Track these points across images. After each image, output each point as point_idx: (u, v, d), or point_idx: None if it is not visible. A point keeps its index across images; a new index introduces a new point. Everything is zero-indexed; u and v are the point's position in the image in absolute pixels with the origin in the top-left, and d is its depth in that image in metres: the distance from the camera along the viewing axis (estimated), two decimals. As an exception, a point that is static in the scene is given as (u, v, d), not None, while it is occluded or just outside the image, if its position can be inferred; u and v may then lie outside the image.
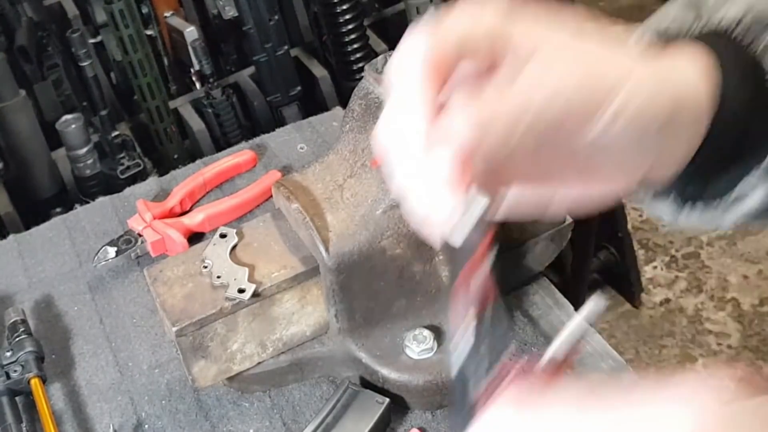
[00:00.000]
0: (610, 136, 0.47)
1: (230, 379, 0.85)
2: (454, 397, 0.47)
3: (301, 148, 1.15)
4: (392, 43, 1.90)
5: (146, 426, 0.85)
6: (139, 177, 1.60)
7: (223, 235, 0.84)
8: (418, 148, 0.45)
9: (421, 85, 0.45)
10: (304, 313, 0.83)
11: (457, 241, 0.46)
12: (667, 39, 0.57)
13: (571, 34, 0.48)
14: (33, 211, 1.64)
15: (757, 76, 0.53)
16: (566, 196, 0.52)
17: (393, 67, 0.46)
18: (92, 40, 1.83)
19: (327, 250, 0.77)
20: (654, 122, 0.48)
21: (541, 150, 0.46)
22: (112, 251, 1.00)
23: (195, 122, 1.80)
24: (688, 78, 0.50)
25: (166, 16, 1.88)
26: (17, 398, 0.86)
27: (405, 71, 0.46)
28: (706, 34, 0.55)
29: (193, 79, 1.85)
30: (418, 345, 0.82)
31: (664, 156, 0.50)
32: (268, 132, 1.20)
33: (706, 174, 0.53)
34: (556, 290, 0.91)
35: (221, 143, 1.80)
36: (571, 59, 0.46)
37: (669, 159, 0.51)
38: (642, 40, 0.59)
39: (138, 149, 1.75)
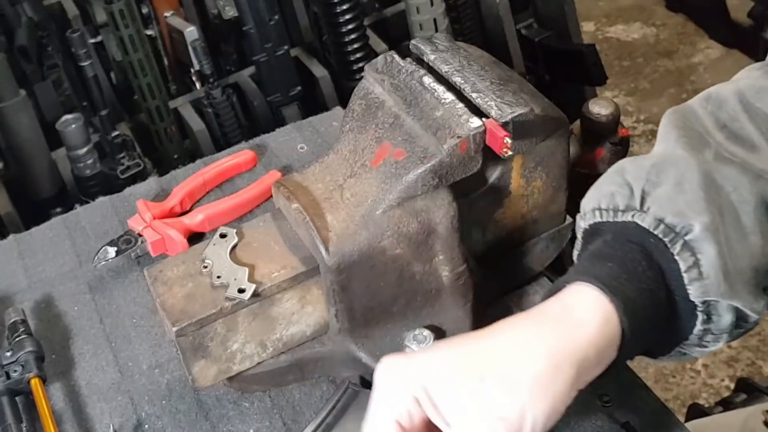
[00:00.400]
0: None
1: (230, 379, 0.85)
2: None
3: (301, 148, 1.15)
4: (392, 43, 1.90)
5: (146, 426, 0.85)
6: (139, 177, 1.60)
7: (223, 235, 0.84)
8: None
9: None
10: (304, 313, 0.83)
11: None
12: (600, 221, 0.69)
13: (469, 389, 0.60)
14: (33, 211, 1.65)
15: (670, 282, 0.65)
16: None
17: None
18: (92, 40, 1.83)
19: (327, 250, 0.77)
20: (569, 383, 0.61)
21: None
22: (112, 251, 1.00)
23: (195, 122, 1.81)
24: (587, 329, 0.62)
25: (166, 16, 1.88)
26: (17, 398, 0.86)
27: None
28: (631, 224, 0.66)
29: (193, 79, 1.85)
30: (418, 345, 0.82)
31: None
32: (268, 132, 1.20)
33: (649, 347, 0.69)
34: (556, 290, 0.91)
35: (221, 143, 1.81)
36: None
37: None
38: (583, 221, 0.71)
39: (138, 149, 1.75)
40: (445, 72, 0.81)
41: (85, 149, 1.67)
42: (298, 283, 0.81)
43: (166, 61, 1.92)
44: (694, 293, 0.65)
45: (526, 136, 0.78)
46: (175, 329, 0.78)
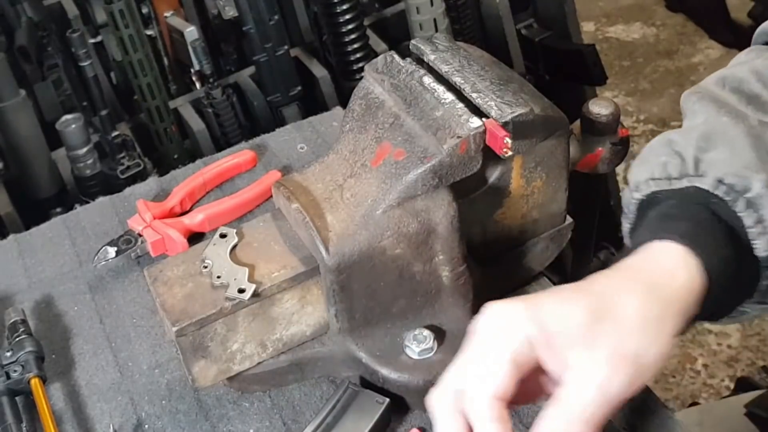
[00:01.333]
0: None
1: (230, 379, 0.85)
2: None
3: (301, 148, 1.15)
4: (392, 43, 1.90)
5: (146, 426, 0.85)
6: (139, 177, 1.60)
7: (223, 235, 0.84)
8: None
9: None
10: (304, 313, 0.83)
11: None
12: (657, 190, 0.70)
13: (580, 324, 0.60)
14: (33, 211, 1.64)
15: (737, 238, 0.66)
16: None
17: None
18: (92, 40, 1.83)
19: (327, 250, 0.77)
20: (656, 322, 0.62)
21: None
22: (112, 251, 1.00)
23: (195, 122, 1.80)
24: (662, 279, 0.64)
25: (166, 16, 1.88)
26: (17, 398, 0.86)
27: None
28: (694, 191, 0.68)
29: (193, 79, 1.85)
30: (418, 345, 0.82)
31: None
32: (268, 132, 1.20)
33: (710, 313, 0.69)
34: (556, 290, 0.91)
35: (221, 143, 1.80)
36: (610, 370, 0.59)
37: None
38: (638, 192, 0.72)
39: (138, 149, 1.75)
40: (445, 72, 0.81)
41: (85, 149, 1.66)
42: (298, 283, 0.81)
43: (166, 61, 1.92)
44: (761, 247, 0.66)
45: (526, 136, 0.78)
46: (175, 329, 0.78)
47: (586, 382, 0.58)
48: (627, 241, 0.75)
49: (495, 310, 0.61)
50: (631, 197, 0.73)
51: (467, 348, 0.61)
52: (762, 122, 0.71)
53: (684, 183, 0.69)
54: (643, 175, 0.72)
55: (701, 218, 0.67)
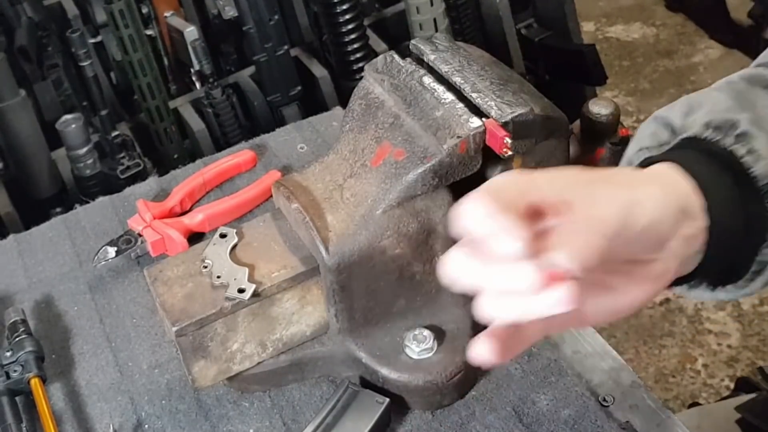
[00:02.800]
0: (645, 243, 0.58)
1: (230, 379, 0.85)
2: None
3: (301, 148, 1.15)
4: (392, 43, 1.90)
5: (146, 426, 0.85)
6: (139, 177, 1.60)
7: (223, 235, 0.84)
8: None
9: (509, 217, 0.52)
10: (304, 313, 0.83)
11: None
12: (649, 156, 0.70)
13: (592, 180, 0.58)
14: (33, 211, 1.65)
15: (733, 168, 0.65)
16: (609, 305, 0.61)
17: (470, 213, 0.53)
18: (92, 40, 1.83)
19: (327, 250, 0.77)
20: (670, 223, 0.59)
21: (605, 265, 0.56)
22: (112, 251, 1.00)
23: (195, 122, 1.81)
24: (681, 187, 0.62)
25: (166, 16, 1.88)
26: (17, 398, 0.86)
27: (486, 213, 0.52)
28: (681, 141, 0.68)
29: (193, 79, 1.85)
30: (418, 345, 0.82)
31: (684, 257, 0.61)
32: (268, 132, 1.20)
33: (723, 262, 0.65)
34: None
35: (221, 143, 1.81)
36: (608, 197, 0.57)
37: (687, 259, 0.62)
38: (631, 165, 0.71)
39: (138, 149, 1.75)
40: (445, 72, 0.81)
41: (85, 149, 1.66)
42: (298, 283, 0.81)
43: (166, 61, 1.92)
44: (759, 174, 0.65)
45: (526, 136, 0.78)
46: (175, 329, 0.78)
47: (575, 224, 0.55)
48: None
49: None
50: None
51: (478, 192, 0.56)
52: (748, 84, 0.72)
53: (675, 141, 0.69)
54: (633, 149, 0.72)
55: (695, 157, 0.66)
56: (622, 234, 0.56)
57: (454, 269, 0.54)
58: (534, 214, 0.55)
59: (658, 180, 0.62)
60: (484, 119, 0.76)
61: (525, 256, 0.51)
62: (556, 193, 0.56)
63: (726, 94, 0.70)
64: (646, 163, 0.67)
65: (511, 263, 0.51)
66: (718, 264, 0.65)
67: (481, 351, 0.54)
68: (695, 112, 0.70)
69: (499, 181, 0.55)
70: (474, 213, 0.52)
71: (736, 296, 0.70)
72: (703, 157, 0.66)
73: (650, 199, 0.58)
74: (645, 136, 0.72)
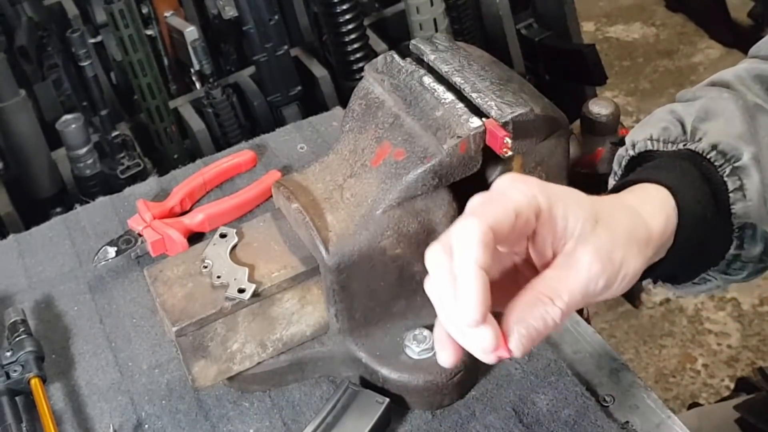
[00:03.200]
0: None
1: (230, 379, 0.85)
2: None
3: (301, 148, 1.15)
4: (392, 43, 1.90)
5: (146, 426, 0.85)
6: (139, 177, 1.60)
7: (223, 235, 0.84)
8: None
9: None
10: (304, 313, 0.83)
11: None
12: (652, 153, 0.74)
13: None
14: (33, 211, 1.65)
15: (718, 197, 0.71)
16: None
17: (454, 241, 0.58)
18: (92, 40, 1.83)
19: (327, 250, 0.77)
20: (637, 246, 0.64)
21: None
22: (112, 251, 1.00)
23: (195, 122, 1.81)
24: (646, 212, 0.66)
25: (166, 16, 1.88)
26: (17, 398, 0.86)
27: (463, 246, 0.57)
28: (685, 152, 0.72)
29: (193, 79, 1.85)
30: (418, 345, 0.82)
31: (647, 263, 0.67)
32: (268, 132, 1.20)
33: (677, 269, 0.73)
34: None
35: (221, 143, 1.81)
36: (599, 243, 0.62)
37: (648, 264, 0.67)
38: (633, 149, 0.75)
39: (138, 149, 1.75)
40: (445, 72, 0.81)
41: (85, 149, 1.66)
42: (298, 283, 0.81)
43: (166, 61, 1.92)
44: (737, 213, 0.71)
45: (526, 136, 0.78)
46: (175, 329, 0.78)
47: (580, 270, 0.60)
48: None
49: (514, 175, 0.62)
50: (624, 154, 0.77)
51: (477, 196, 0.61)
52: (756, 104, 0.76)
53: (679, 146, 0.73)
54: (642, 134, 0.75)
55: (689, 174, 0.71)
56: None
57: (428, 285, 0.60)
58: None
59: (646, 226, 0.65)
60: (484, 119, 0.76)
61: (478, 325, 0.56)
62: (550, 231, 0.60)
63: (741, 113, 0.74)
64: (644, 176, 0.70)
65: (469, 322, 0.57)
66: (673, 270, 0.71)
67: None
68: (709, 120, 0.74)
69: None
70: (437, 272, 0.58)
71: (682, 294, 0.79)
72: (695, 182, 0.70)
73: (631, 270, 0.63)
74: (657, 127, 0.75)
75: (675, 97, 0.82)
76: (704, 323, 2.07)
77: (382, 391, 0.82)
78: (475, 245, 0.56)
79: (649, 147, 0.74)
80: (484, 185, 0.84)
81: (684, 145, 0.73)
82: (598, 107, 0.87)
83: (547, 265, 0.62)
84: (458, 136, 0.76)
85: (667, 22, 3.01)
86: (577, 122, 0.88)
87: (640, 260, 0.63)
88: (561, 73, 2.15)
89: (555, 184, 0.63)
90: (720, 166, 0.71)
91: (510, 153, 0.75)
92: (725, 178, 0.71)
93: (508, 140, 0.74)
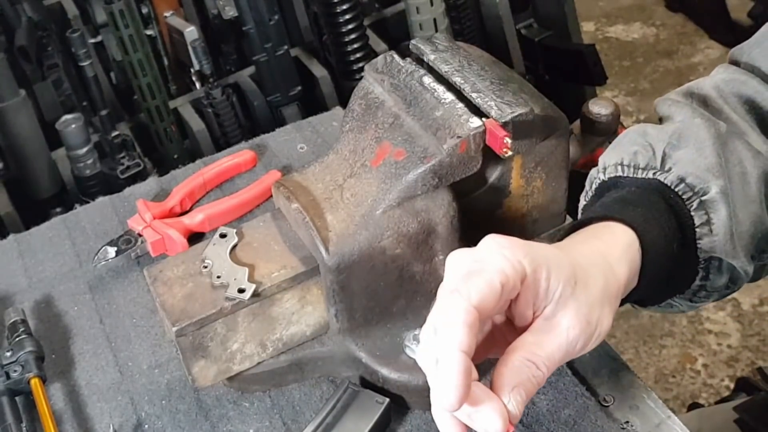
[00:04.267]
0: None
1: (230, 379, 0.85)
2: None
3: (301, 148, 1.15)
4: (392, 43, 1.90)
5: (146, 426, 0.85)
6: (139, 177, 1.60)
7: (223, 235, 0.84)
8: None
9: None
10: (304, 313, 0.83)
11: None
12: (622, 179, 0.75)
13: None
14: (33, 211, 1.65)
15: (685, 231, 0.71)
16: None
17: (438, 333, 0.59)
18: (92, 40, 1.83)
19: (327, 250, 0.77)
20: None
21: None
22: (112, 251, 1.00)
23: (195, 122, 1.81)
24: (614, 261, 0.67)
25: (166, 16, 1.88)
26: (17, 398, 0.86)
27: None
28: (653, 183, 0.72)
29: (193, 79, 1.85)
30: (418, 345, 0.81)
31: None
32: (268, 132, 1.20)
33: (643, 297, 0.73)
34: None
35: (221, 143, 1.81)
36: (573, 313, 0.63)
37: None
38: (603, 174, 0.76)
39: (138, 149, 1.75)
40: (445, 72, 0.81)
41: (85, 149, 1.66)
42: (298, 283, 0.81)
43: (166, 61, 1.92)
44: (703, 248, 0.71)
45: (526, 136, 0.78)
46: (175, 329, 0.78)
47: (559, 335, 0.61)
48: (580, 215, 0.78)
49: (499, 240, 0.62)
50: (596, 176, 0.77)
51: (462, 264, 0.61)
52: (728, 130, 0.76)
53: (648, 174, 0.73)
54: (612, 159, 0.76)
55: (656, 209, 0.71)
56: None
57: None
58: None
59: (617, 278, 0.66)
60: (484, 119, 0.76)
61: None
62: (532, 295, 0.61)
63: (712, 143, 0.73)
64: (611, 213, 0.70)
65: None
66: (636, 297, 0.72)
67: None
68: (680, 147, 0.74)
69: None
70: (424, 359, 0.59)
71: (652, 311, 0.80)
72: (662, 218, 0.71)
73: (607, 319, 0.64)
74: (629, 151, 0.75)
75: (654, 103, 0.82)
76: (704, 323, 2.07)
77: (382, 391, 0.82)
78: (459, 328, 0.57)
79: (619, 173, 0.75)
80: (484, 185, 0.84)
81: (654, 174, 0.73)
82: (598, 107, 0.87)
83: (526, 324, 0.62)
84: (458, 136, 0.76)
85: (667, 22, 3.02)
86: (577, 122, 0.88)
87: (611, 316, 0.65)
88: (561, 73, 2.15)
89: (536, 243, 0.64)
90: (688, 199, 0.71)
91: (510, 153, 0.75)
92: (692, 212, 0.71)
93: (508, 140, 0.74)
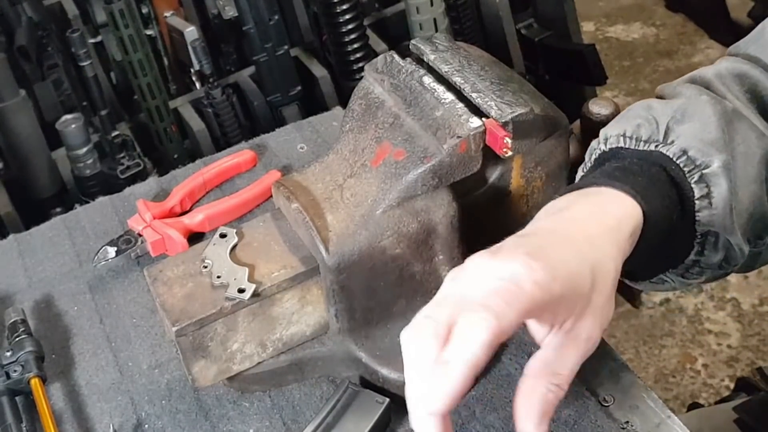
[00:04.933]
0: None
1: (230, 379, 0.85)
2: None
3: (301, 148, 1.15)
4: (392, 43, 1.90)
5: (146, 426, 0.85)
6: (139, 177, 1.60)
7: (223, 235, 0.84)
8: None
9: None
10: (304, 313, 0.83)
11: None
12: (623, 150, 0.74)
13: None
14: (33, 211, 1.65)
15: (684, 203, 0.71)
16: None
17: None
18: (92, 40, 1.83)
19: (327, 250, 0.77)
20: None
21: None
22: (112, 251, 1.00)
23: (195, 122, 1.81)
24: (616, 214, 0.67)
25: (166, 16, 1.88)
26: (17, 398, 0.86)
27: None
28: (656, 153, 0.72)
29: (193, 79, 1.85)
30: (418, 345, 0.81)
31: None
32: (268, 132, 1.20)
33: (635, 268, 0.73)
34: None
35: (221, 143, 1.81)
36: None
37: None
38: (605, 144, 0.76)
39: (138, 149, 1.75)
40: (445, 72, 0.81)
41: (85, 149, 1.66)
42: (298, 283, 0.81)
43: (166, 61, 1.92)
44: (702, 220, 0.71)
45: (526, 136, 0.78)
46: (175, 329, 0.78)
47: (580, 347, 0.61)
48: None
49: (527, 261, 0.58)
50: (596, 147, 0.77)
51: (493, 276, 0.59)
52: (734, 109, 0.75)
53: (650, 147, 0.73)
54: (615, 130, 0.75)
55: (658, 179, 0.71)
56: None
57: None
58: None
59: (619, 265, 0.65)
60: (484, 119, 0.76)
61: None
62: (551, 313, 0.60)
63: (717, 119, 0.73)
64: (613, 181, 0.69)
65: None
66: (628, 268, 0.70)
67: None
68: (685, 122, 0.73)
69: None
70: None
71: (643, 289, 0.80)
72: (662, 187, 0.70)
73: (613, 304, 0.63)
74: (632, 124, 0.75)
75: (656, 90, 0.81)
76: (704, 323, 2.07)
77: (382, 391, 0.82)
78: (481, 349, 0.55)
79: (621, 144, 0.74)
80: (484, 185, 0.84)
81: (656, 146, 0.73)
82: (598, 107, 0.87)
83: (543, 337, 0.62)
84: (458, 136, 0.76)
85: (667, 22, 3.02)
86: (577, 122, 0.88)
87: (613, 299, 0.64)
88: (561, 73, 2.15)
89: (559, 248, 0.61)
90: (689, 171, 0.71)
91: (510, 153, 0.75)
92: (693, 185, 0.71)
93: (508, 140, 0.74)
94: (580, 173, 0.79)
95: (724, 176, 0.70)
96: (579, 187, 0.70)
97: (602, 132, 0.77)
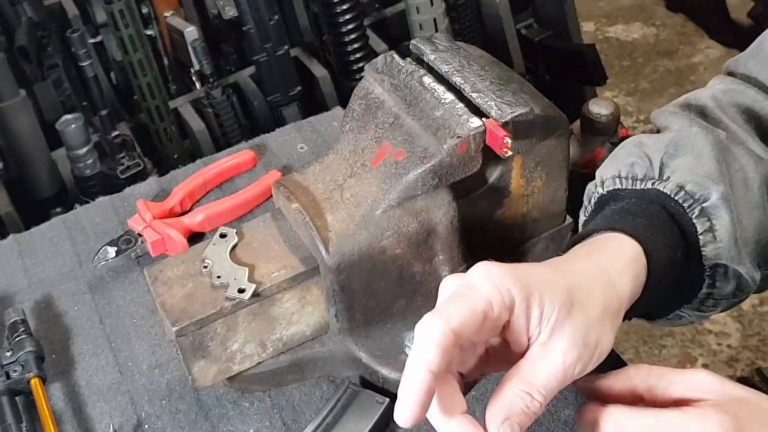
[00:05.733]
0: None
1: (230, 379, 0.85)
2: None
3: (301, 148, 1.15)
4: (392, 43, 1.90)
5: (146, 426, 0.85)
6: (139, 177, 1.60)
7: (223, 235, 0.84)
8: None
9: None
10: (304, 313, 0.83)
11: None
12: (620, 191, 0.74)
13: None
14: (33, 211, 1.65)
15: (688, 239, 0.70)
16: None
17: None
18: (92, 40, 1.83)
19: (327, 250, 0.77)
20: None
21: None
22: (112, 251, 1.00)
23: (195, 122, 1.81)
24: (616, 274, 0.66)
25: (166, 16, 1.88)
26: (17, 398, 0.86)
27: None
28: (652, 192, 0.71)
29: (193, 79, 1.85)
30: (418, 345, 0.81)
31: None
32: (268, 132, 1.20)
33: (650, 309, 0.74)
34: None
35: (221, 143, 1.81)
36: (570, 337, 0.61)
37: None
38: (602, 187, 0.75)
39: (138, 149, 1.75)
40: (445, 72, 0.81)
41: (85, 149, 1.67)
42: (298, 283, 0.81)
43: (166, 61, 1.92)
44: (708, 255, 0.70)
45: (526, 136, 0.78)
46: (175, 329, 0.78)
47: (555, 361, 0.60)
48: (580, 230, 0.77)
49: (489, 267, 0.61)
50: (594, 191, 0.77)
51: (451, 284, 0.61)
52: (730, 136, 0.75)
53: (647, 185, 0.72)
54: (610, 171, 0.75)
55: (657, 218, 0.70)
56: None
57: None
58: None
59: (618, 293, 0.65)
60: (484, 119, 0.76)
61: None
62: (525, 322, 0.61)
63: (711, 149, 0.72)
64: (613, 224, 0.69)
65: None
66: (643, 310, 0.71)
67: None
68: (677, 156, 0.73)
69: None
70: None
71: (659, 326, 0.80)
72: (664, 226, 0.70)
73: (606, 345, 0.62)
74: (626, 163, 0.74)
75: (650, 117, 0.81)
76: (704, 323, 2.07)
77: (382, 391, 0.82)
78: (431, 348, 0.56)
79: (618, 185, 0.74)
80: (484, 185, 0.84)
81: (652, 184, 0.72)
82: (598, 107, 0.87)
83: (522, 351, 0.62)
84: (458, 136, 0.76)
85: (667, 22, 3.02)
86: (577, 122, 0.88)
87: (613, 333, 0.63)
88: (561, 73, 2.15)
89: (532, 266, 0.63)
90: (689, 206, 0.70)
91: (510, 153, 0.75)
92: (694, 220, 0.70)
93: (508, 140, 0.74)
94: (582, 217, 0.79)
95: (724, 207, 0.70)
96: (582, 237, 0.71)
97: (598, 173, 0.76)
